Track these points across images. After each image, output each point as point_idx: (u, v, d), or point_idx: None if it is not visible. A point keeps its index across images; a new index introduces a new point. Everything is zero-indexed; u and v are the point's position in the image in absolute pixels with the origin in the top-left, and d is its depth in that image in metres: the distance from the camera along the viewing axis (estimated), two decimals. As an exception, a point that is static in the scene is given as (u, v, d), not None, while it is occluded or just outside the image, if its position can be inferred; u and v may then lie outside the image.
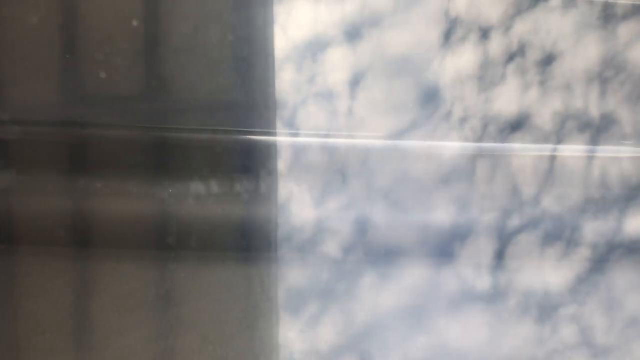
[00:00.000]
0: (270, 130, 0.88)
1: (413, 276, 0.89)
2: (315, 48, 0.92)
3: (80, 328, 0.82)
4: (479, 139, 0.91)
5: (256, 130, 0.87)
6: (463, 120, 0.91)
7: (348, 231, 0.89)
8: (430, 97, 0.91)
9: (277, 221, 0.86)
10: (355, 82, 0.92)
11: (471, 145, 0.90)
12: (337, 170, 0.90)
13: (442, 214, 0.89)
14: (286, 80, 0.92)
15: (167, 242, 0.83)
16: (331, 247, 0.88)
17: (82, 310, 0.82)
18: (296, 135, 0.90)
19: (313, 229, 0.89)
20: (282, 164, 0.89)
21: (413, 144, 0.90)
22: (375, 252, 0.88)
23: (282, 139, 0.88)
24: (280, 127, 0.91)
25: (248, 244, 0.85)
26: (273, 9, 0.89)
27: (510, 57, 0.91)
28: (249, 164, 0.86)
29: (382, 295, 0.88)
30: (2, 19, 0.84)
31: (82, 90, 0.85)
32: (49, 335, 0.82)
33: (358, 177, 0.90)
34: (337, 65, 0.92)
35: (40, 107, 0.85)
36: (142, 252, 0.83)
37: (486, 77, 0.91)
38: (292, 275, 0.88)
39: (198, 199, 0.84)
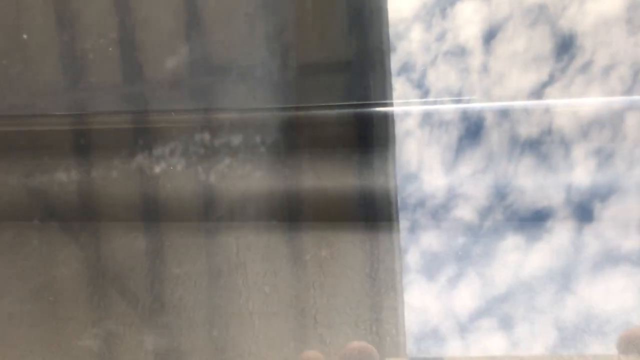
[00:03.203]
0: (386, 101, 0.87)
1: (556, 237, 0.84)
2: (444, 3, 0.89)
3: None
4: (628, 88, 0.83)
5: (372, 102, 0.87)
6: (609, 68, 0.83)
7: (484, 194, 0.87)
8: (569, 46, 0.84)
9: (396, 190, 0.86)
10: (490, 36, 0.87)
11: (618, 95, 0.83)
12: (470, 131, 0.87)
13: (586, 171, 0.83)
14: (415, 40, 0.90)
15: (294, 214, 0.86)
16: (467, 211, 0.86)
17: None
18: (421, 97, 0.88)
19: (446, 193, 0.87)
20: (411, 126, 0.88)
21: (553, 98, 0.85)
22: (514, 214, 0.85)
23: (399, 108, 0.87)
24: (408, 89, 0.89)
25: (368, 214, 0.86)
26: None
27: (663, -6, 0.82)
28: (366, 134, 0.86)
29: (522, 258, 0.85)
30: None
31: (206, 59, 0.90)
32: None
33: (493, 137, 0.86)
34: (469, 19, 0.88)
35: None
36: (272, 224, 0.86)
37: (635, 19, 0.83)
38: (427, 240, 0.87)
39: (316, 170, 0.86)
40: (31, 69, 0.92)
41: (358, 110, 0.88)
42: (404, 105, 0.87)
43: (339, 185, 0.87)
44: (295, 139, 0.89)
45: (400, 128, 0.88)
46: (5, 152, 0.93)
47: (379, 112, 0.87)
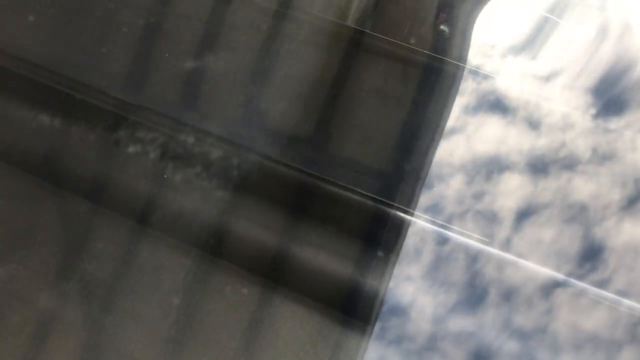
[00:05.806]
0: (407, 209, 0.88)
1: None
2: (492, 166, 0.89)
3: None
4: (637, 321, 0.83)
5: (394, 204, 0.88)
6: (622, 293, 0.83)
7: (463, 358, 0.86)
8: (595, 256, 0.84)
9: (383, 299, 0.86)
10: (524, 215, 0.88)
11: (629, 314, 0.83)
12: (476, 286, 0.86)
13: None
14: (453, 188, 0.91)
15: (274, 279, 0.87)
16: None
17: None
18: (437, 244, 0.88)
19: (427, 341, 0.86)
20: (422, 260, 0.88)
21: (564, 290, 0.84)
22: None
23: (417, 219, 0.88)
24: (428, 230, 0.90)
25: (347, 307, 0.86)
26: (448, 112, 0.90)
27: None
28: (377, 233, 0.86)
29: None
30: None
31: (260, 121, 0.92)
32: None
33: (490, 312, 0.86)
34: (510, 191, 0.89)
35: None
36: (254, 284, 0.87)
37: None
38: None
39: (317, 246, 0.86)
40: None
41: (378, 205, 0.88)
42: (422, 219, 0.87)
43: (333, 267, 0.87)
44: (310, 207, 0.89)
45: (407, 271, 0.87)
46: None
47: (397, 215, 0.88)
